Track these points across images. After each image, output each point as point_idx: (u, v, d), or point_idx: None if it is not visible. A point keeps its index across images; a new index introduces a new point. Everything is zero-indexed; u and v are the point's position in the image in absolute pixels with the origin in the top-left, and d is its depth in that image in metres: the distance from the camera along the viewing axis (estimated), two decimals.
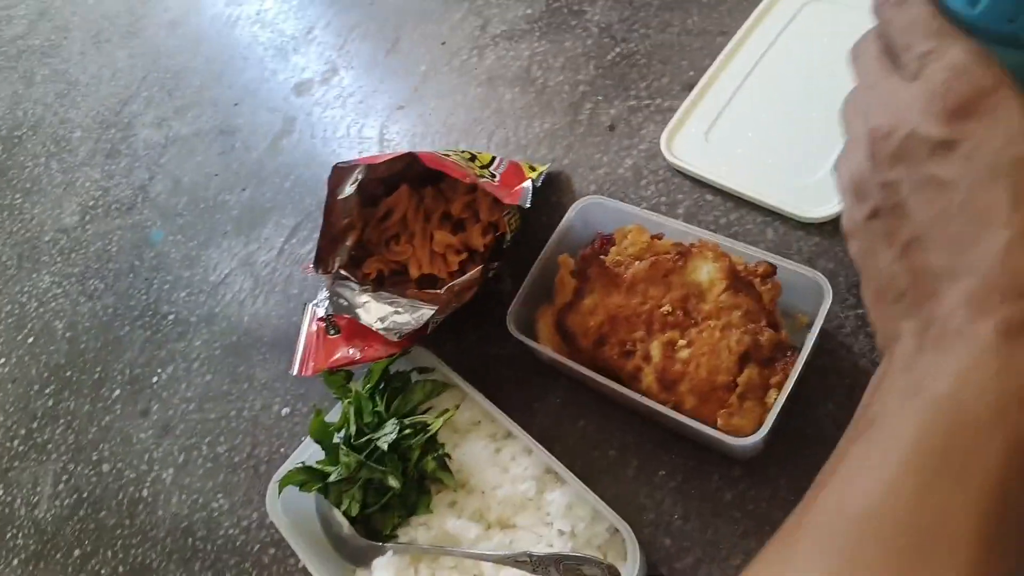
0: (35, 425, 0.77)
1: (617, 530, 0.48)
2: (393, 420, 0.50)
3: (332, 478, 0.51)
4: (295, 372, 0.56)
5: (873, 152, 0.30)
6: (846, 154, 0.34)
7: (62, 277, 0.87)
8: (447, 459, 0.50)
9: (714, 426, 0.48)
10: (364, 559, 0.52)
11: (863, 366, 0.53)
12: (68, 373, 0.79)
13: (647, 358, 0.53)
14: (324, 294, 0.59)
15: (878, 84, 0.32)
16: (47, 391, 0.79)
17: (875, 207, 0.31)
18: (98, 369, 0.79)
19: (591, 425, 0.57)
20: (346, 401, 0.53)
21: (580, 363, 0.53)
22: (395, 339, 0.53)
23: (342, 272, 0.61)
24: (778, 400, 0.47)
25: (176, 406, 0.73)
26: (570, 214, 0.59)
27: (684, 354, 0.51)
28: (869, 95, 0.33)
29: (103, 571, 0.66)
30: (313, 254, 0.58)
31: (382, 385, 0.53)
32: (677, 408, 0.50)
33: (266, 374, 0.71)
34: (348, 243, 0.61)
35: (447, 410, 0.53)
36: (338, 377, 0.54)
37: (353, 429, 0.51)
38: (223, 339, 0.75)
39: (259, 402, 0.70)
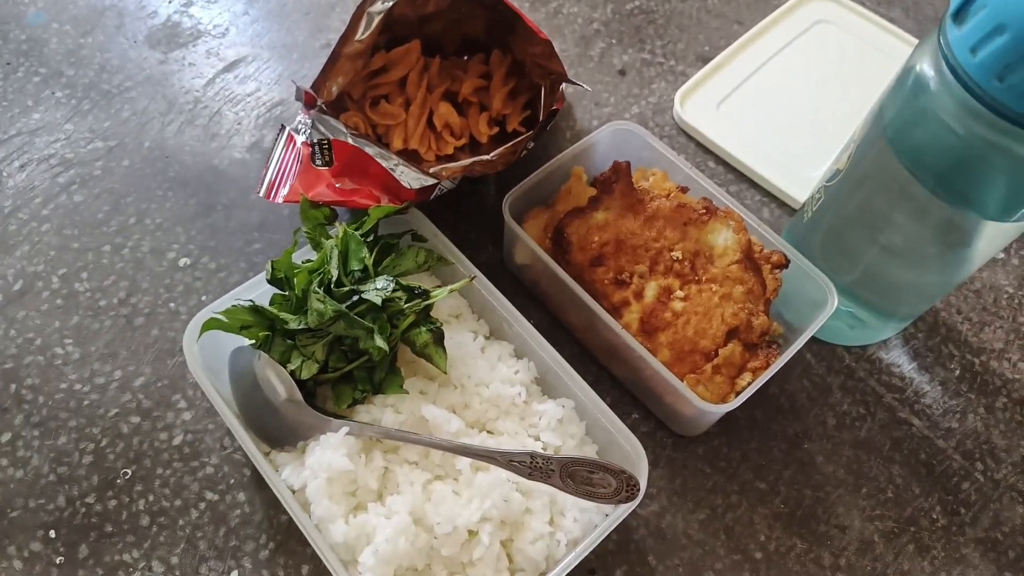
0: None
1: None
2: (386, 277, 0.41)
3: (293, 326, 0.40)
4: (261, 194, 0.45)
5: None
6: None
7: None
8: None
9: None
10: (299, 437, 0.41)
11: (839, 354, 0.54)
12: None
13: (639, 295, 0.49)
14: (306, 120, 0.48)
15: None
16: None
17: None
18: None
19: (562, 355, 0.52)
20: (330, 242, 0.42)
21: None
22: (410, 187, 0.44)
23: (324, 108, 0.50)
24: (753, 384, 0.45)
25: (23, 221, 0.56)
26: (602, 132, 0.54)
27: (678, 305, 0.48)
28: None
29: None
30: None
31: (371, 238, 0.44)
32: None
33: (165, 214, 0.57)
34: (340, 79, 0.51)
35: (440, 285, 0.44)
36: (320, 212, 0.44)
37: (334, 275, 0.41)
38: (109, 159, 0.59)
39: (148, 243, 0.55)
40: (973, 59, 0.34)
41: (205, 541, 0.44)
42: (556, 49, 0.54)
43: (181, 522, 0.45)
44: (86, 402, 0.49)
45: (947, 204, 0.39)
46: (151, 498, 0.45)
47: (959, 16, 0.35)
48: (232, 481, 0.46)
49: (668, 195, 0.52)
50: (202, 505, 0.46)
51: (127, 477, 0.46)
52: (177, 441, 0.48)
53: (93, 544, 0.44)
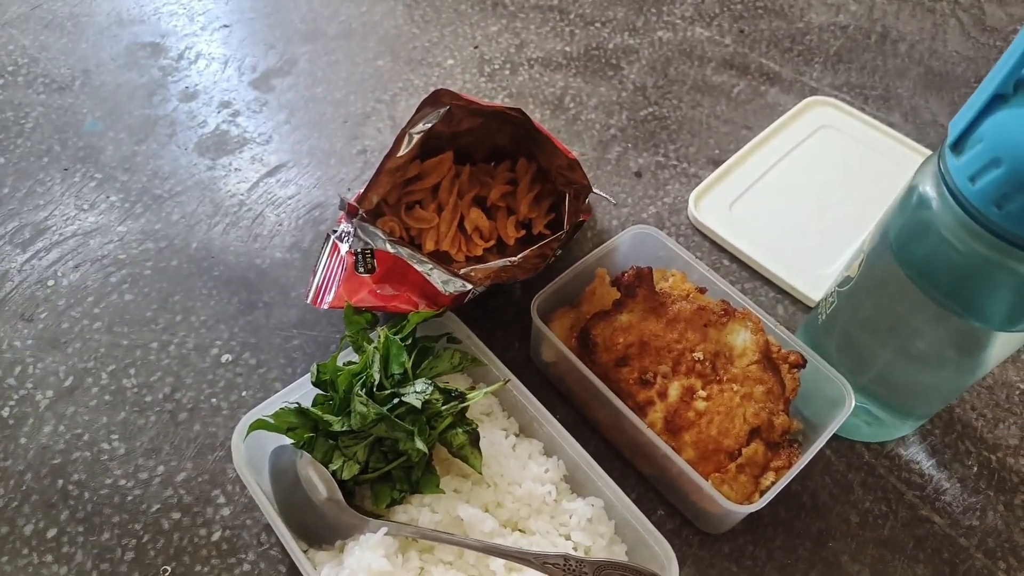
0: None
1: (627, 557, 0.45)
2: (425, 380, 0.44)
3: (336, 427, 0.42)
4: (308, 300, 0.48)
5: None
6: None
7: None
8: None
9: None
10: (338, 536, 0.43)
11: (858, 451, 0.55)
12: None
13: (663, 395, 0.51)
14: (348, 228, 0.51)
15: None
16: None
17: None
18: None
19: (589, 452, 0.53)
20: (371, 346, 0.45)
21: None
22: (447, 293, 0.47)
23: (364, 216, 0.54)
24: (777, 484, 0.47)
25: (75, 320, 0.59)
26: (624, 235, 0.58)
27: (701, 405, 0.50)
28: None
29: None
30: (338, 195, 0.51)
31: (409, 341, 0.47)
32: None
33: (209, 311, 0.60)
34: (381, 190, 0.55)
35: (475, 386, 0.47)
36: (362, 318, 0.47)
37: (376, 378, 0.43)
38: (159, 259, 0.63)
39: (193, 340, 0.58)
40: (972, 187, 0.37)
41: None
42: (576, 154, 0.58)
43: None
44: (129, 497, 0.50)
45: (954, 315, 0.42)
46: None
47: (957, 147, 0.38)
48: None
49: (687, 296, 0.55)
50: None
51: (167, 574, 0.47)
52: (216, 537, 0.49)
53: None
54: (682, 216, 0.69)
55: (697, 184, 0.70)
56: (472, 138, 0.60)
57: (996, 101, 0.36)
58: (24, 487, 0.50)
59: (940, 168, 0.40)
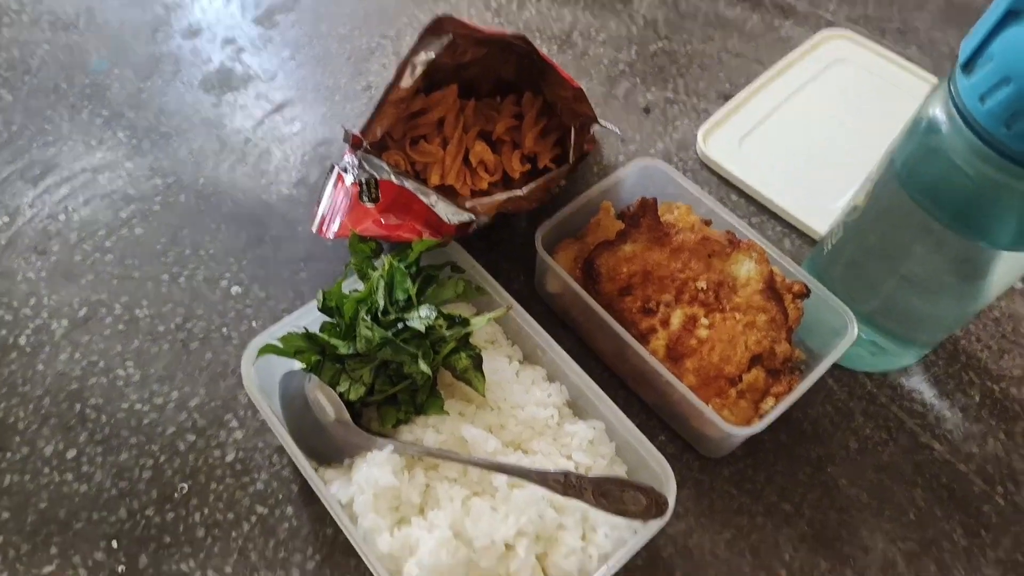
0: None
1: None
2: (429, 305, 0.44)
3: (343, 351, 0.43)
4: (313, 230, 0.48)
5: None
6: None
7: None
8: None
9: None
10: (346, 454, 0.44)
11: (861, 381, 0.56)
12: None
13: (665, 323, 0.52)
14: (353, 160, 0.51)
15: None
16: None
17: None
18: None
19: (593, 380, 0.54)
20: (376, 273, 0.46)
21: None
22: (449, 222, 0.47)
23: (369, 148, 0.54)
24: (776, 408, 0.47)
25: (87, 253, 0.60)
26: (629, 168, 0.57)
27: (703, 333, 0.51)
28: None
29: None
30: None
31: (414, 269, 0.47)
32: None
33: (218, 245, 0.60)
34: (385, 122, 0.54)
35: (478, 313, 0.47)
36: (367, 246, 0.47)
37: (381, 304, 0.44)
38: (167, 194, 0.63)
39: (202, 273, 0.59)
40: (982, 107, 0.37)
41: (256, 552, 0.47)
42: (585, 91, 0.57)
43: (234, 534, 0.48)
44: (146, 421, 0.52)
45: (962, 237, 0.42)
46: (206, 511, 0.48)
47: (968, 67, 0.38)
48: (280, 496, 0.49)
49: (692, 228, 0.55)
50: (253, 518, 0.48)
51: (184, 492, 0.49)
52: (229, 458, 0.51)
53: (152, 554, 0.47)
54: (690, 152, 0.68)
55: (706, 119, 0.69)
56: (477, 70, 0.60)
57: (1008, 18, 0.35)
58: (43, 411, 0.52)
59: (950, 90, 0.39)
